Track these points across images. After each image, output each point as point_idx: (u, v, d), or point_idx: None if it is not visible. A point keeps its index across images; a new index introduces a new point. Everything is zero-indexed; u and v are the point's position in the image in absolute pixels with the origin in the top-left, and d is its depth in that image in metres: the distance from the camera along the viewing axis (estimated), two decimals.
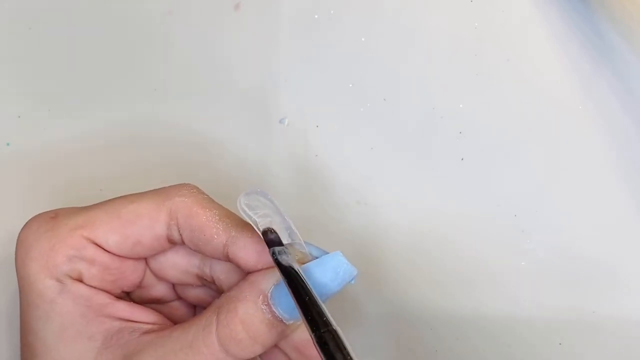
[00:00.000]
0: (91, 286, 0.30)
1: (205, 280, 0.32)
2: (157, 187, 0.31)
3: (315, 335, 0.25)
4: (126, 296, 0.32)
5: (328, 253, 0.29)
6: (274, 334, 0.28)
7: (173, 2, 0.41)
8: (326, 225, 0.39)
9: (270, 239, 0.28)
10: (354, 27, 0.41)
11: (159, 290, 0.33)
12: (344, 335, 0.25)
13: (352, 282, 0.28)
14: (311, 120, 0.40)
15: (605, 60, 0.40)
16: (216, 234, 0.29)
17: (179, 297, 0.34)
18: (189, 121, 0.40)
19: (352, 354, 0.24)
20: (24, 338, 0.30)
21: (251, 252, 0.29)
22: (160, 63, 0.41)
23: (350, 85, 0.40)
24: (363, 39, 0.41)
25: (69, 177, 0.39)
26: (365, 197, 0.40)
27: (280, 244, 0.28)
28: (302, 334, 0.29)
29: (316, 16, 0.41)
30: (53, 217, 0.30)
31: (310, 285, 0.27)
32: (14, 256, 0.30)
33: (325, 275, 0.28)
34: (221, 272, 0.31)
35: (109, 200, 0.31)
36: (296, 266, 0.27)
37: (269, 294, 0.28)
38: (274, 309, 0.28)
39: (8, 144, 0.39)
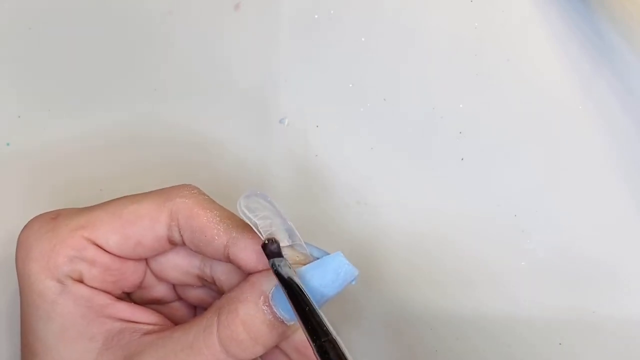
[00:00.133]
0: (92, 287, 0.30)
1: (206, 281, 0.32)
2: (157, 188, 0.31)
3: (315, 345, 0.25)
4: (127, 297, 0.32)
5: (329, 254, 0.29)
6: (275, 334, 0.28)
7: (173, 2, 0.41)
8: (326, 225, 0.39)
9: (270, 251, 0.28)
10: (354, 27, 0.41)
11: (160, 291, 0.33)
12: (344, 340, 0.25)
13: (353, 282, 0.29)
14: (311, 120, 0.40)
15: (605, 60, 0.40)
16: (217, 235, 0.29)
17: (180, 298, 0.34)
18: (189, 121, 0.40)
19: None
20: (24, 338, 0.30)
21: (252, 253, 0.29)
22: (160, 63, 0.41)
23: (350, 85, 0.40)
24: (363, 39, 0.41)
25: (69, 177, 0.39)
26: (365, 197, 0.40)
27: (279, 254, 0.28)
28: (303, 335, 0.29)
29: (316, 16, 0.41)
30: (54, 218, 0.30)
31: (309, 294, 0.27)
32: (14, 256, 0.30)
33: (326, 276, 0.28)
34: (222, 273, 0.31)
35: (110, 200, 0.31)
36: (296, 278, 0.27)
37: (270, 295, 0.28)
38: (275, 310, 0.28)
39: (8, 144, 0.39)
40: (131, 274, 0.31)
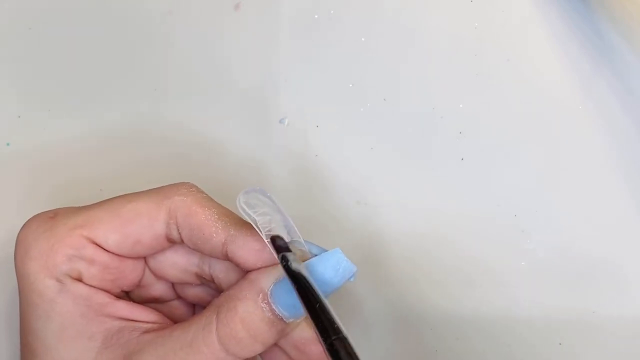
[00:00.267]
0: (91, 286, 0.30)
1: (205, 279, 0.32)
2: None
3: (326, 343, 0.25)
4: (125, 295, 0.32)
5: (327, 251, 0.29)
6: (274, 332, 0.28)
7: (173, 2, 0.41)
8: (326, 225, 0.39)
9: (279, 245, 0.28)
10: (354, 27, 0.41)
11: (158, 289, 0.33)
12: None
13: (352, 279, 0.28)
14: (311, 120, 0.40)
15: (605, 60, 0.40)
16: (215, 232, 0.29)
17: (179, 296, 0.34)
18: (189, 121, 0.40)
19: None
20: (24, 338, 0.30)
21: (250, 251, 0.29)
22: (160, 63, 0.41)
23: (350, 85, 0.41)
24: (363, 39, 0.41)
25: (69, 177, 0.39)
26: (365, 197, 0.40)
27: (288, 249, 0.28)
28: (302, 332, 0.29)
29: (316, 16, 0.41)
30: (52, 217, 0.30)
31: (319, 291, 0.26)
32: (13, 256, 0.30)
33: (325, 272, 0.28)
34: (220, 271, 0.31)
35: (108, 199, 0.31)
36: (305, 272, 0.27)
37: (269, 292, 0.28)
38: (274, 307, 0.28)
39: (8, 144, 0.39)
40: (130, 273, 0.31)
